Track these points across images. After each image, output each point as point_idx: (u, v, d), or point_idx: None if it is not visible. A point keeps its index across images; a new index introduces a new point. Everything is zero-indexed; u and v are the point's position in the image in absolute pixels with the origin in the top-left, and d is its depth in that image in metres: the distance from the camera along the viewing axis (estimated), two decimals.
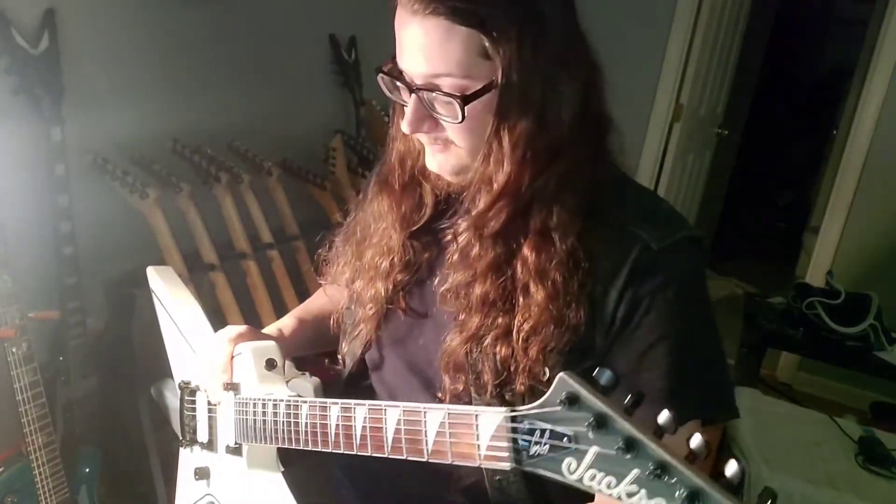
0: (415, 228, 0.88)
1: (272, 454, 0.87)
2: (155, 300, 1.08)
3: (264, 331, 1.00)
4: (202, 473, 0.94)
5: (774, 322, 2.27)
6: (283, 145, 2.18)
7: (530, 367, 0.74)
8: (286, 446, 0.80)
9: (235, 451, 0.87)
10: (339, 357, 0.99)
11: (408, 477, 0.90)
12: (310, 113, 2.34)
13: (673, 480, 0.44)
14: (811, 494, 1.59)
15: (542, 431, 0.51)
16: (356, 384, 0.99)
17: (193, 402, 0.98)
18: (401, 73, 0.76)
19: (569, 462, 0.49)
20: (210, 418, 0.94)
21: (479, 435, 0.57)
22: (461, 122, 0.72)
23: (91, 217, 1.64)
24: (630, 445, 0.46)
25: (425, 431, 0.63)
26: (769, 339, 2.31)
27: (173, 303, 1.04)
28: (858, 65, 3.20)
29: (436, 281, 0.86)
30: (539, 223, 0.76)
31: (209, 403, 0.94)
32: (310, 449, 0.76)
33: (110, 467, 1.64)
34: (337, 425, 0.72)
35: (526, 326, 0.75)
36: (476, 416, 0.58)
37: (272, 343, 0.90)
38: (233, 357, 0.89)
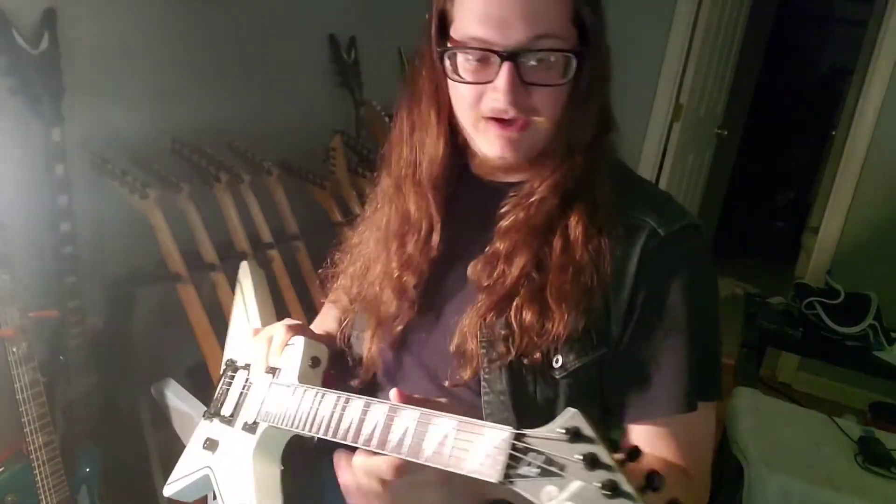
0: (424, 232, 0.88)
1: (280, 444, 0.89)
2: (238, 290, 1.15)
3: (313, 328, 1.05)
4: (211, 445, 0.95)
5: (774, 322, 2.28)
6: (283, 145, 2.18)
7: (553, 337, 0.76)
8: (300, 430, 0.80)
9: (251, 428, 0.89)
10: (350, 361, 1.00)
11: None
12: (310, 113, 2.34)
13: None
14: (811, 494, 1.59)
15: (539, 454, 0.52)
16: (365, 385, 0.99)
17: (232, 378, 1.01)
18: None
19: (549, 490, 0.49)
20: (241, 395, 0.96)
21: (479, 446, 0.57)
22: (567, 80, 0.75)
23: (91, 217, 1.64)
24: (614, 489, 0.46)
25: (427, 437, 0.62)
26: (769, 339, 2.31)
27: (254, 294, 1.10)
28: (858, 65, 3.21)
29: (445, 276, 0.88)
30: (587, 196, 0.80)
31: (246, 381, 0.97)
32: (321, 436, 0.76)
33: (110, 467, 1.64)
34: (352, 420, 0.71)
35: (557, 283, 0.77)
36: (483, 428, 0.58)
37: (323, 345, 0.92)
38: (286, 344, 0.92)
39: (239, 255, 1.87)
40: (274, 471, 0.87)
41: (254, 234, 1.93)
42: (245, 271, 1.15)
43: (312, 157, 2.26)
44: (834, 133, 3.51)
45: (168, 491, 1.01)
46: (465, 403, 0.83)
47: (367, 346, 0.93)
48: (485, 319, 0.79)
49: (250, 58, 2.06)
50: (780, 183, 4.94)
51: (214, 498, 0.92)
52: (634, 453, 0.49)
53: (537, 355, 0.77)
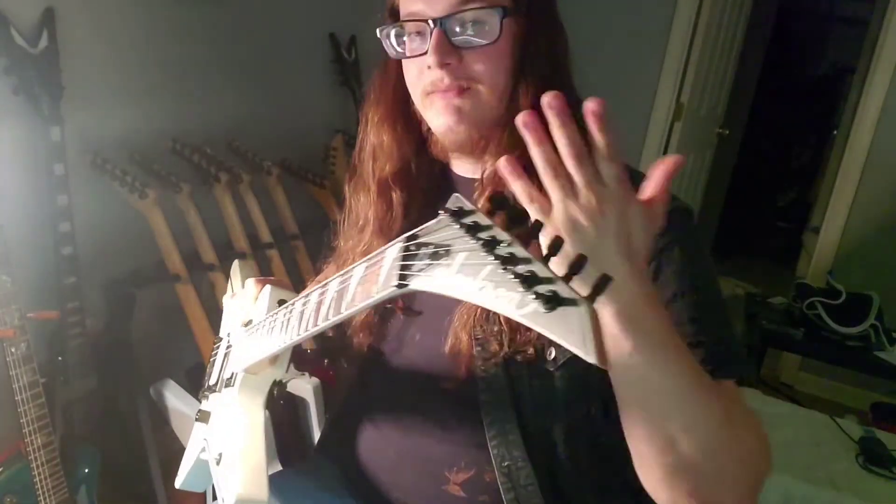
0: (396, 232, 0.88)
1: (260, 388, 0.88)
2: (229, 286, 1.14)
3: None
4: (203, 416, 0.95)
5: (775, 322, 2.27)
6: (283, 145, 2.18)
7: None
8: (268, 353, 0.79)
9: (230, 382, 0.89)
10: (344, 363, 1.00)
11: (404, 472, 0.90)
12: (310, 112, 2.34)
13: (518, 268, 0.42)
14: (811, 495, 1.59)
15: (427, 245, 0.50)
16: (362, 387, 0.99)
17: (216, 352, 1.01)
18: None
19: (440, 272, 0.47)
20: (224, 359, 0.96)
21: (382, 267, 0.55)
22: (497, 39, 0.75)
23: (91, 217, 1.63)
24: (491, 243, 0.44)
25: (349, 288, 0.60)
26: (770, 340, 2.31)
27: (241, 285, 1.08)
28: (859, 64, 3.20)
29: None
30: None
31: (228, 347, 0.96)
32: (286, 345, 0.74)
33: (110, 467, 1.63)
34: (300, 312, 0.70)
35: None
36: (385, 251, 0.55)
37: (292, 291, 0.91)
38: (256, 298, 0.91)
39: (238, 255, 1.87)
40: (258, 413, 0.86)
41: (253, 234, 1.93)
42: (236, 269, 1.14)
43: (312, 156, 2.26)
44: (835, 132, 3.50)
45: (178, 482, 1.00)
46: (463, 402, 0.83)
47: (359, 347, 0.93)
48: (476, 318, 0.79)
49: (250, 57, 2.06)
50: (781, 183, 4.93)
51: (214, 499, 0.91)
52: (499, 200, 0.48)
53: (531, 350, 0.77)
